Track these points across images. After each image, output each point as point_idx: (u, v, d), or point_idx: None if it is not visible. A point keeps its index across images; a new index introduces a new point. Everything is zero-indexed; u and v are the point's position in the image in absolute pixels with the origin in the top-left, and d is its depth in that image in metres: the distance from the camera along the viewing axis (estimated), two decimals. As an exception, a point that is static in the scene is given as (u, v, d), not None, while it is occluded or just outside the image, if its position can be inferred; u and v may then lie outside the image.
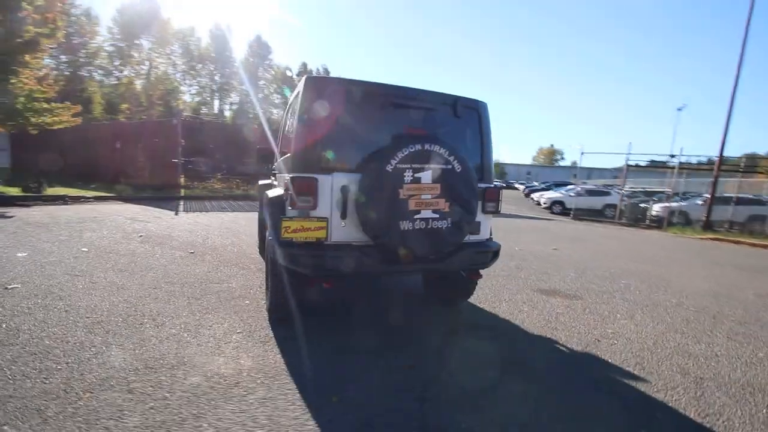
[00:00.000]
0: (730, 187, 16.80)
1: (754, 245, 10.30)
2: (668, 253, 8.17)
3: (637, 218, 16.39)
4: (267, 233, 3.05)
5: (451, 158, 2.50)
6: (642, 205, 17.05)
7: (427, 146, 2.43)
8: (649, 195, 19.47)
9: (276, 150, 4.37)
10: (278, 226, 2.53)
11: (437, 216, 2.51)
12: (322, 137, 2.55)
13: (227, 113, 57.59)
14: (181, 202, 11.48)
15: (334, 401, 2.10)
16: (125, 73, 41.96)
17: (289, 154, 2.75)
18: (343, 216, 2.57)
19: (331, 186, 2.54)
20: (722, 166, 14.77)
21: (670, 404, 2.28)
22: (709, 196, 14.53)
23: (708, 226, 13.65)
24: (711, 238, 11.45)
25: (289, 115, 3.35)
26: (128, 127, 17.16)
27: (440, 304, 3.76)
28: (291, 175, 2.49)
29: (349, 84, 2.61)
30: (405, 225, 2.43)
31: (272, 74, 61.41)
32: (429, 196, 2.47)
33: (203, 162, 18.71)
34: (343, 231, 2.60)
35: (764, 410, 2.28)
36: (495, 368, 2.60)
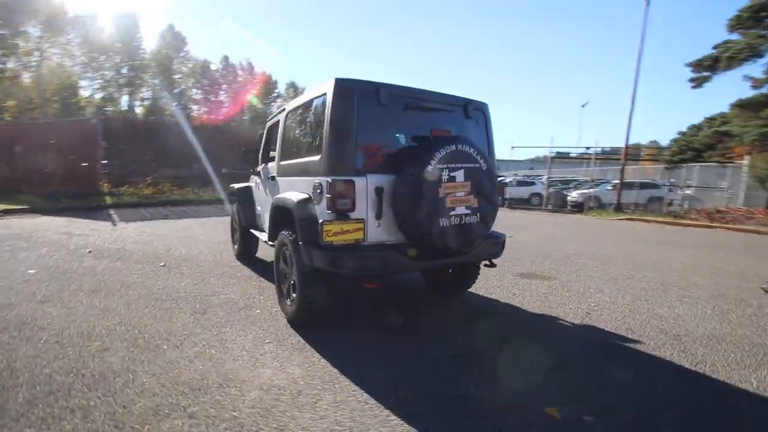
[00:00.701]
0: (625, 173, 19.50)
1: (659, 223, 12.15)
2: (600, 234, 9.32)
3: (560, 204, 18.33)
4: (288, 236, 2.95)
5: (478, 157, 2.68)
6: (564, 192, 19.11)
7: (460, 146, 2.58)
8: (565, 183, 21.93)
9: (265, 153, 4.22)
10: (317, 229, 2.51)
11: (469, 212, 2.68)
12: (355, 139, 2.57)
13: (138, 110, 52.08)
14: (113, 212, 10.30)
15: (400, 396, 2.17)
16: (9, 65, 35.83)
17: (317, 157, 2.71)
18: (378, 216, 2.63)
19: (366, 187, 2.58)
20: (615, 155, 17.12)
21: (667, 358, 2.72)
22: (617, 181, 16.76)
23: (618, 208, 15.74)
24: (625, 219, 13.24)
25: (301, 117, 3.26)
26: (32, 128, 14.79)
27: (442, 295, 3.94)
28: (330, 178, 2.47)
29: (377, 86, 2.65)
30: (444, 222, 2.56)
31: (189, 67, 56.73)
32: (462, 194, 2.62)
33: (127, 165, 16.96)
34: (377, 231, 2.65)
35: (732, 354, 2.82)
36: (524, 346, 2.85)
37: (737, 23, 12.63)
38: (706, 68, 13.30)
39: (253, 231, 4.56)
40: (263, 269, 4.81)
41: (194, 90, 56.72)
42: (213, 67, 52.46)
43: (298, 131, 3.32)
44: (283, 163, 3.46)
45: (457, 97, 3.09)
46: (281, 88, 52.86)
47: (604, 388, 2.32)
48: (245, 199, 4.80)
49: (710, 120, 14.85)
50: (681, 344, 2.97)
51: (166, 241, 6.46)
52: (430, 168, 2.46)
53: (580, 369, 2.57)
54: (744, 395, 2.30)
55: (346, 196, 2.49)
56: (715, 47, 13.44)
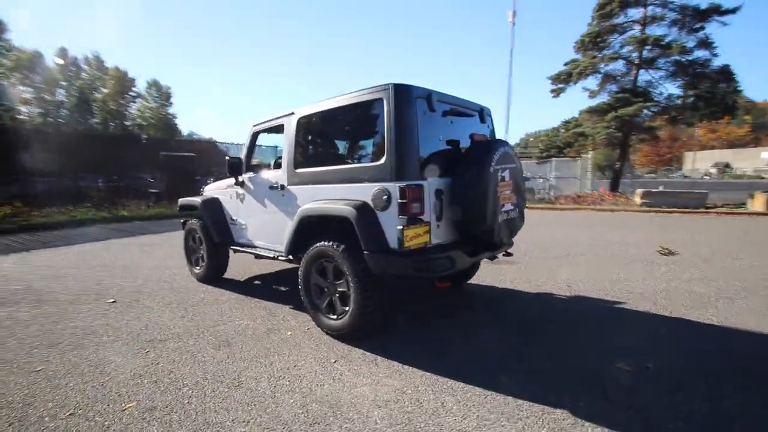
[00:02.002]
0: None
1: (542, 209, 14.50)
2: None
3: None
4: (334, 247, 2.78)
5: (516, 158, 2.97)
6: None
7: (507, 149, 2.83)
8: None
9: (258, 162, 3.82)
10: (389, 236, 2.49)
11: (512, 208, 2.95)
12: (417, 144, 2.59)
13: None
14: (-43, 246, 7.75)
15: (504, 381, 2.31)
16: None
17: (377, 163, 2.63)
18: (439, 218, 2.71)
19: (429, 191, 2.63)
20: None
21: (651, 311, 3.45)
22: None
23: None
24: (517, 207, 15.43)
25: (336, 122, 3.07)
26: None
27: (447, 288, 4.16)
28: (404, 183, 2.45)
29: (429, 92, 2.72)
30: (500, 218, 2.78)
31: (13, 59, 45.23)
32: (508, 192, 2.88)
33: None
34: (437, 233, 2.73)
35: (683, 302, 3.70)
36: (552, 321, 3.26)
37: (581, 46, 15.96)
38: (562, 81, 16.42)
39: (236, 248, 4.08)
40: (245, 288, 4.34)
41: (21, 87, 45.45)
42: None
43: (330, 137, 3.12)
44: (301, 170, 3.20)
45: (475, 103, 3.34)
46: (141, 86, 45.68)
47: (633, 341, 2.84)
48: (216, 212, 4.25)
49: (566, 123, 18.49)
50: (649, 300, 3.76)
51: (83, 272, 5.23)
52: (491, 169, 2.65)
53: (607, 330, 3.07)
54: (710, 328, 3.09)
55: (418, 201, 2.51)
56: (565, 64, 16.70)
